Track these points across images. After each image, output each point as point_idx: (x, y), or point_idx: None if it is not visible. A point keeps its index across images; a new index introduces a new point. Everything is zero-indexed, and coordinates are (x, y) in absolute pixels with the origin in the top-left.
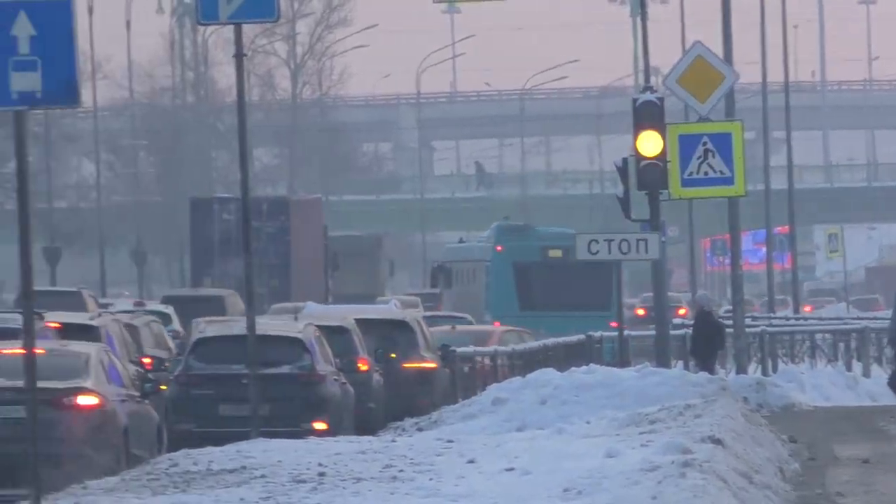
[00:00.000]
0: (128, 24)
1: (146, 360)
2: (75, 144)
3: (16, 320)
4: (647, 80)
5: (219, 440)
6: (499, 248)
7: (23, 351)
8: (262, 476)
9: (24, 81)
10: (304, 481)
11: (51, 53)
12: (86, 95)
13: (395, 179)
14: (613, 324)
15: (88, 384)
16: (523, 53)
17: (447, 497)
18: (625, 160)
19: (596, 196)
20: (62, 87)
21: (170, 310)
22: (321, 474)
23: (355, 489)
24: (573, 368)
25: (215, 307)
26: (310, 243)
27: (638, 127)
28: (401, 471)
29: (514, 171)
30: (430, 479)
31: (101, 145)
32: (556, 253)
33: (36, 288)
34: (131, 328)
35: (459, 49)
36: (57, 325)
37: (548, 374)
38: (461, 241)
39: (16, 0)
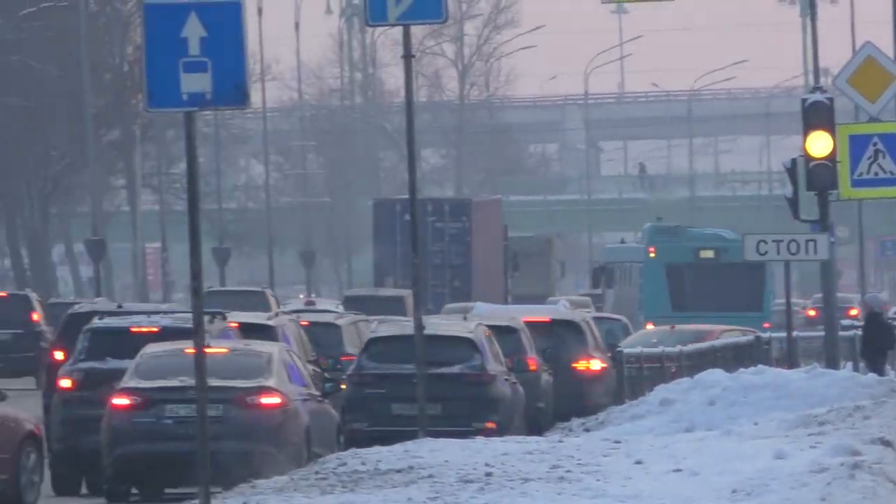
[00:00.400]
0: (296, 25)
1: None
2: (244, 145)
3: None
4: (816, 80)
5: (391, 439)
6: (651, 249)
7: (207, 351)
8: (430, 476)
9: (195, 82)
10: (471, 481)
11: (221, 55)
12: (255, 96)
13: (562, 180)
14: (766, 325)
15: (271, 383)
16: (691, 54)
17: (614, 498)
18: (794, 161)
19: (764, 197)
20: (232, 89)
21: (339, 309)
22: (488, 474)
23: (522, 489)
24: (741, 370)
25: (396, 307)
26: (490, 244)
27: (807, 127)
28: (568, 471)
29: (681, 171)
30: (597, 480)
31: (270, 146)
32: (707, 254)
33: (221, 288)
34: (334, 328)
35: (627, 49)
36: (236, 324)
37: (716, 374)
38: (622, 241)
39: (187, 1)
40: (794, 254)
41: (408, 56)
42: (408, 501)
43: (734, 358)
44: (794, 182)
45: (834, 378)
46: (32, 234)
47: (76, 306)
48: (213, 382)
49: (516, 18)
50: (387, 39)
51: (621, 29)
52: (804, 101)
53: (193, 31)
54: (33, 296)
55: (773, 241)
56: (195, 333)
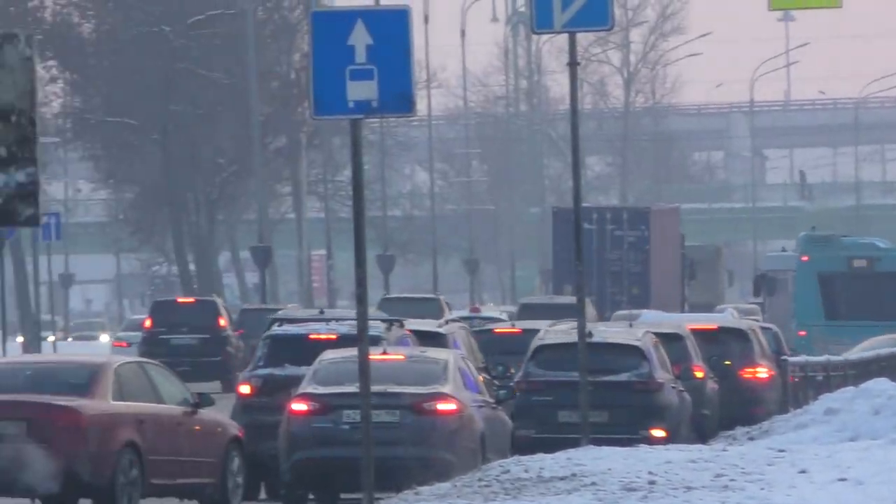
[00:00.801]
0: (462, 33)
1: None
2: (409, 153)
3: (376, 327)
4: None
5: (557, 446)
6: (804, 258)
7: (384, 357)
8: (593, 483)
9: (361, 90)
10: (634, 489)
11: (387, 62)
12: (420, 104)
13: (727, 188)
14: None
15: (447, 390)
16: (859, 61)
17: None
18: None
19: None
20: (397, 96)
21: (503, 317)
22: (651, 482)
23: (686, 498)
24: None
25: (571, 314)
26: (668, 252)
27: None
28: (732, 480)
29: (848, 179)
30: (762, 489)
31: (435, 154)
32: (860, 263)
33: (397, 295)
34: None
35: (794, 57)
36: (408, 332)
37: (882, 384)
38: (783, 250)
39: (354, 9)
40: None
41: (573, 63)
42: None
43: None
44: None
45: None
46: (199, 241)
47: (279, 312)
48: (391, 389)
49: (682, 25)
50: (552, 47)
51: (788, 36)
52: None
53: (360, 38)
54: (220, 301)
55: None
56: (360, 340)
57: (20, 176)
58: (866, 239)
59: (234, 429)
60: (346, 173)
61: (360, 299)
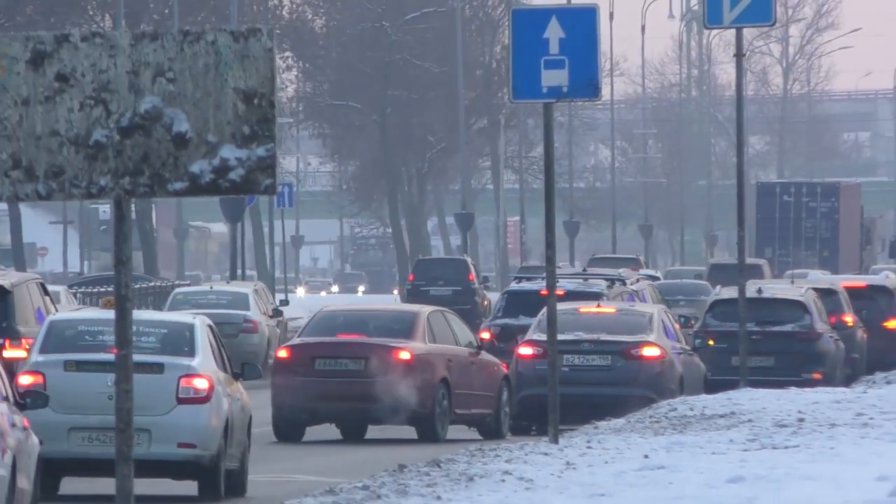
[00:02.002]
0: (642, 28)
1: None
2: (594, 132)
3: (598, 284)
4: None
5: (731, 387)
6: None
7: (599, 310)
8: (749, 420)
9: (553, 78)
10: (785, 426)
11: (576, 53)
12: (605, 90)
13: (873, 164)
14: None
15: (652, 338)
16: None
17: None
18: None
19: None
20: (585, 83)
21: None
22: (800, 420)
23: (830, 433)
24: None
25: (755, 274)
26: (852, 221)
27: None
28: (871, 418)
29: None
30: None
31: (616, 133)
32: None
33: (602, 255)
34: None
35: None
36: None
37: None
38: None
39: (549, 7)
40: None
41: (739, 55)
42: (729, 442)
43: None
44: None
45: None
46: (411, 209)
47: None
48: (604, 337)
49: (836, 22)
50: (721, 40)
51: None
52: None
53: (554, 32)
54: (469, 260)
55: None
56: (549, 295)
57: (260, 151)
58: None
59: (502, 368)
60: (539, 150)
61: (550, 259)
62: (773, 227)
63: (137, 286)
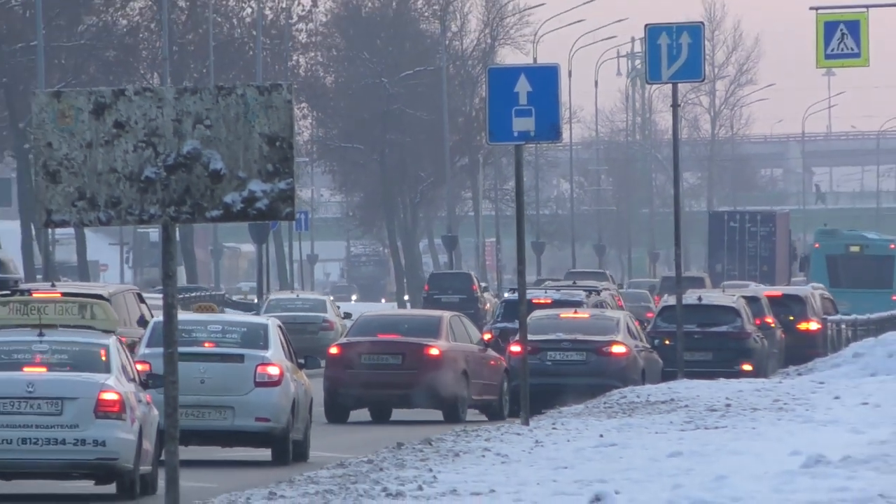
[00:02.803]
0: (595, 83)
1: None
2: (556, 169)
3: (579, 294)
4: None
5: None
6: (816, 245)
7: (576, 315)
8: (686, 406)
9: (523, 124)
10: (715, 410)
11: (541, 104)
12: (564, 134)
13: (785, 195)
14: (893, 297)
15: (619, 338)
16: (881, 104)
17: (818, 422)
18: None
19: None
20: (548, 128)
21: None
22: (727, 405)
23: (752, 416)
24: None
25: (698, 285)
26: (783, 243)
27: None
28: (785, 404)
29: (870, 190)
30: (806, 410)
31: (574, 169)
32: (855, 248)
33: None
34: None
35: (834, 101)
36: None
37: (893, 336)
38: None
39: (518, 66)
40: None
41: (675, 105)
42: (669, 424)
43: None
44: None
45: None
46: (405, 232)
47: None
48: (580, 337)
49: (754, 78)
50: (660, 93)
51: (829, 85)
52: None
53: (523, 87)
54: (473, 273)
55: None
56: (520, 303)
57: (282, 185)
58: (859, 232)
59: (503, 362)
60: (511, 183)
61: (521, 273)
62: (722, 247)
63: (183, 295)
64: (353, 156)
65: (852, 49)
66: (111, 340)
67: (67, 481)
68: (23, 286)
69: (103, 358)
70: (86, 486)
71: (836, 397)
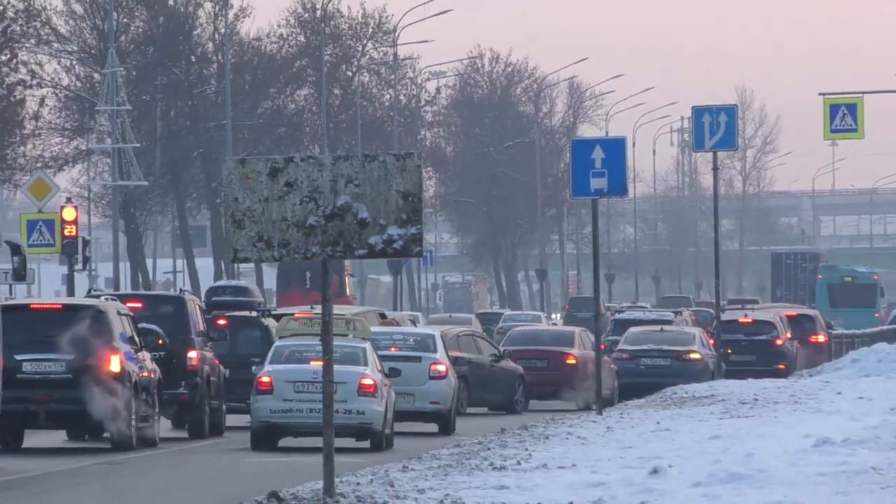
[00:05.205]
0: (653, 151)
1: None
2: (623, 217)
3: (668, 314)
4: None
5: (727, 377)
6: (819, 276)
7: (664, 329)
8: (723, 400)
9: (598, 183)
10: (745, 403)
11: (612, 167)
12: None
13: (800, 238)
14: (876, 314)
15: (695, 348)
16: (875, 167)
17: (825, 412)
18: None
19: None
20: (618, 186)
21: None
22: (755, 399)
23: (774, 407)
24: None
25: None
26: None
27: None
28: (799, 398)
29: (865, 233)
30: (816, 402)
31: (637, 218)
32: (848, 279)
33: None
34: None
35: (837, 165)
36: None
37: (882, 345)
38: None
39: (595, 138)
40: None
41: (715, 168)
42: (710, 414)
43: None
44: None
45: None
46: (507, 266)
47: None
48: (665, 347)
49: (775, 147)
50: (703, 159)
51: (834, 153)
52: None
53: (598, 154)
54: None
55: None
56: (595, 320)
57: (413, 230)
58: (851, 267)
59: (520, 371)
60: (588, 229)
61: (596, 299)
62: (780, 278)
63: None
64: (466, 208)
65: (851, 125)
66: (367, 345)
67: (338, 438)
68: (285, 310)
69: (362, 356)
70: (349, 442)
71: (839, 393)
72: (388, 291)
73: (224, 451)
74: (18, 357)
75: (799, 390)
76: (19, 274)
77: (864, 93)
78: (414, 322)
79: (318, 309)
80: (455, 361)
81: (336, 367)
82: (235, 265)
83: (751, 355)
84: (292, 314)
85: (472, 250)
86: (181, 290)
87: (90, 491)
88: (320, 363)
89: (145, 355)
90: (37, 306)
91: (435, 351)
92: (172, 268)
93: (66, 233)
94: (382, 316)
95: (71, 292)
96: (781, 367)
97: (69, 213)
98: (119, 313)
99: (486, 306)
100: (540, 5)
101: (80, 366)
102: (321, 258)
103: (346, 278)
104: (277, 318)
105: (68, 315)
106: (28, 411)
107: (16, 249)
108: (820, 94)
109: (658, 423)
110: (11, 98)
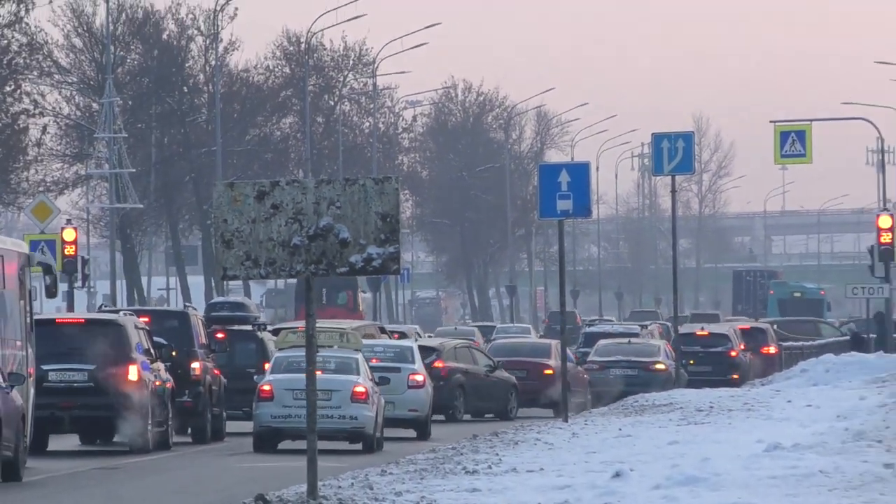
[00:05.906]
0: (616, 175)
1: None
2: (587, 236)
3: (635, 328)
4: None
5: (689, 386)
6: (771, 291)
7: (633, 342)
8: (680, 408)
9: (563, 204)
10: (702, 410)
11: (577, 190)
12: (593, 212)
13: (752, 257)
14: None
15: (660, 358)
16: (821, 190)
17: (775, 419)
18: (871, 246)
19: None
20: (582, 207)
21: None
22: (711, 407)
23: (728, 415)
24: (843, 354)
25: (714, 319)
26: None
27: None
28: (752, 406)
29: (813, 251)
30: (767, 410)
31: (601, 237)
32: (797, 294)
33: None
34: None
35: (787, 188)
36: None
37: (828, 356)
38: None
39: (560, 163)
40: (855, 293)
41: (673, 191)
42: (669, 420)
43: (839, 347)
44: (872, 255)
45: (891, 359)
46: (478, 282)
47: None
48: (633, 358)
49: (729, 171)
50: (662, 182)
51: (784, 177)
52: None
53: (564, 178)
54: (576, 311)
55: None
56: (561, 334)
57: (391, 249)
58: (800, 283)
59: (514, 380)
60: (555, 248)
61: (563, 313)
62: (741, 294)
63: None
64: (441, 228)
65: (800, 151)
66: (359, 356)
67: (332, 441)
68: (281, 325)
69: (355, 366)
70: (342, 445)
71: (789, 401)
72: (367, 307)
73: (223, 454)
74: (45, 367)
75: (752, 398)
76: (51, 291)
77: (812, 120)
78: (419, 334)
79: (325, 323)
80: (452, 371)
81: (331, 376)
82: (225, 282)
83: (707, 366)
84: (294, 328)
85: (447, 268)
86: (186, 305)
87: (90, 493)
88: (317, 372)
89: (160, 365)
90: (62, 321)
91: (413, 362)
92: (166, 285)
93: (66, 252)
94: (382, 330)
95: (71, 308)
96: (735, 376)
97: (69, 234)
98: (136, 327)
99: (454, 321)
100: (510, 39)
101: (101, 375)
102: (305, 276)
103: (360, 295)
104: (275, 332)
105: (90, 329)
106: (54, 417)
107: (48, 269)
108: (771, 121)
109: (620, 429)
110: (15, 126)
